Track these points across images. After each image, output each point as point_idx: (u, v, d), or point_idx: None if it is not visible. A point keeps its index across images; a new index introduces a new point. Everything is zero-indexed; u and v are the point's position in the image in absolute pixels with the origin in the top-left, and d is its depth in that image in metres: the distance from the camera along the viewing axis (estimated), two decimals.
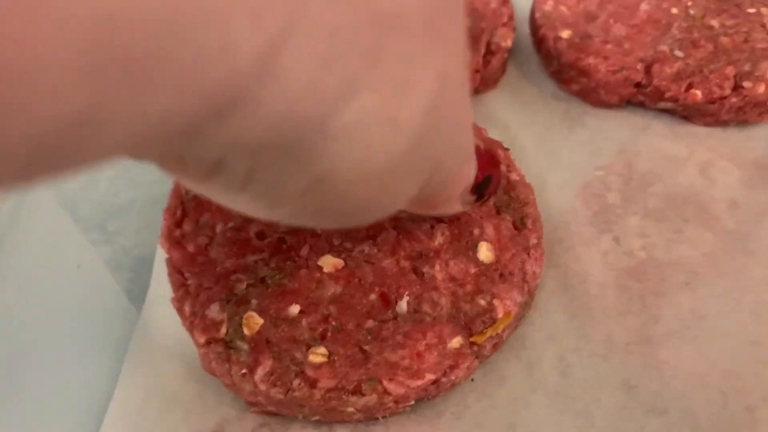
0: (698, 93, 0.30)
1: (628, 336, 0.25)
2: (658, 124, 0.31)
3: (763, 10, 0.32)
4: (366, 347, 0.21)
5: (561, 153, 0.30)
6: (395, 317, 0.22)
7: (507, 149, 0.26)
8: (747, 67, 0.30)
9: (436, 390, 0.22)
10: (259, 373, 0.21)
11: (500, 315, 0.22)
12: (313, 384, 0.21)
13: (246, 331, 0.21)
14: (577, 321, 0.25)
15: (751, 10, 0.32)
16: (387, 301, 0.22)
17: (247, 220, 0.24)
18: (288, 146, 0.13)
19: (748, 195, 0.28)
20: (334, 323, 0.22)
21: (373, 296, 0.22)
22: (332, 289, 0.22)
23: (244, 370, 0.21)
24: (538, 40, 0.33)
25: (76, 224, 0.29)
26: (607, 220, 0.28)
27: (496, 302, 0.22)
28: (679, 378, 0.24)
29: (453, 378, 0.21)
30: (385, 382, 0.21)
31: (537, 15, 0.33)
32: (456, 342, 0.21)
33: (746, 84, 0.30)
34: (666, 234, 0.27)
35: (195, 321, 0.22)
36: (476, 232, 0.23)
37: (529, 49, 0.34)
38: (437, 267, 0.23)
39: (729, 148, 0.30)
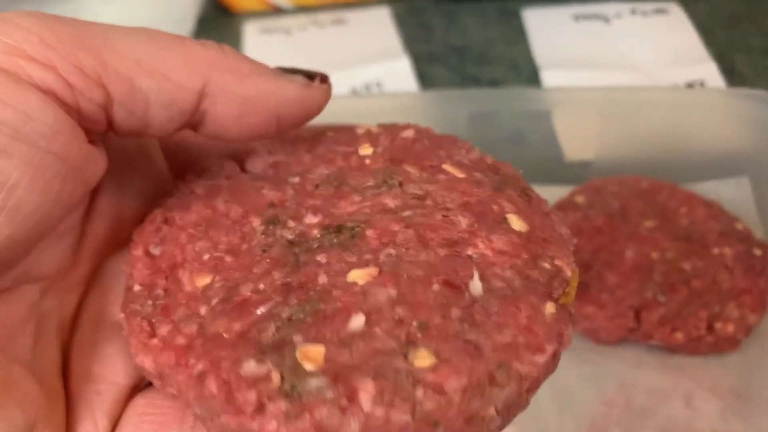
0: (680, 335, 0.37)
1: None
2: (649, 357, 0.38)
3: (726, 250, 0.40)
4: (470, 337, 0.17)
5: (571, 389, 0.37)
6: (474, 301, 0.17)
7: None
8: (716, 309, 0.37)
9: (553, 366, 0.18)
10: (365, 398, 0.15)
11: (569, 273, 0.19)
12: (440, 389, 0.16)
13: (310, 366, 0.16)
14: None
15: (715, 251, 0.40)
16: (456, 287, 0.18)
17: (234, 285, 0.18)
18: None
19: (726, 425, 0.35)
20: (414, 323, 0.17)
21: (436, 287, 0.18)
22: (384, 293, 0.17)
23: (342, 402, 0.15)
24: None
25: None
26: None
27: (558, 263, 0.19)
28: None
29: (564, 347, 0.18)
30: (516, 365, 0.16)
31: None
32: (550, 307, 0.18)
33: (717, 325, 0.37)
34: None
35: (231, 388, 0.16)
36: (496, 208, 0.20)
37: None
38: (480, 245, 0.19)
39: (709, 377, 0.37)
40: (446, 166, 0.21)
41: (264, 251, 0.19)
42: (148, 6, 0.63)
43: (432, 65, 0.60)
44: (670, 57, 0.58)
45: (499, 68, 0.59)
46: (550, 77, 0.57)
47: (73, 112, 0.16)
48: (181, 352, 0.17)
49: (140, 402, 0.19)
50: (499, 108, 0.46)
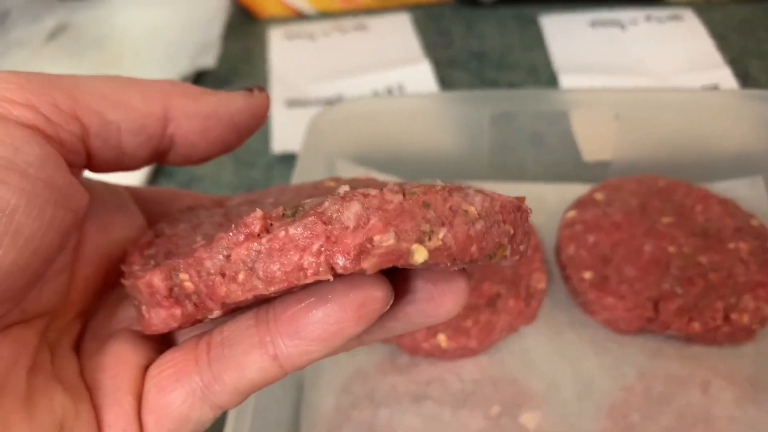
0: (696, 325, 0.38)
1: None
2: (667, 347, 0.39)
3: (741, 245, 0.41)
4: None
5: (591, 378, 0.38)
6: None
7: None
8: (732, 300, 0.39)
9: None
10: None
11: None
12: None
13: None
14: None
15: (731, 246, 0.41)
16: None
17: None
18: None
19: (742, 412, 0.36)
20: None
21: None
22: None
23: (341, 191, 0.16)
24: (565, 277, 0.42)
25: None
26: None
27: None
28: None
29: None
30: None
31: (562, 257, 0.42)
32: None
33: (733, 316, 0.38)
34: None
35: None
36: None
37: (557, 279, 0.43)
38: None
39: (725, 366, 0.38)
40: None
41: None
42: (177, 12, 0.65)
43: (452, 70, 0.62)
44: (685, 62, 0.60)
45: (517, 73, 0.61)
46: (567, 82, 0.59)
47: (55, 143, 0.18)
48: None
49: (153, 369, 0.20)
50: (519, 109, 0.48)
